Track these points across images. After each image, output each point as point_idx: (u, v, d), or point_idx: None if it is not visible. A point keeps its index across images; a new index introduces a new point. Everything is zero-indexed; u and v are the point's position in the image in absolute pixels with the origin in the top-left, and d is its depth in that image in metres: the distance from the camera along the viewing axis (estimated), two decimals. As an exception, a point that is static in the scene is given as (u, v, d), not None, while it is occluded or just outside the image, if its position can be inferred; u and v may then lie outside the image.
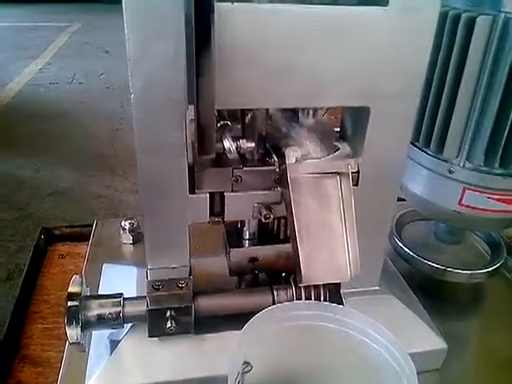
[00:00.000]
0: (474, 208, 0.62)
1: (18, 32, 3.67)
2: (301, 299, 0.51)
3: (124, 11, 0.39)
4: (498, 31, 0.52)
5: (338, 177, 0.50)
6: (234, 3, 0.40)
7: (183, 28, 0.40)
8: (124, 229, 0.79)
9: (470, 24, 0.53)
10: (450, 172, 0.61)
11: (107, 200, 1.60)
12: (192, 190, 0.49)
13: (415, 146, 0.65)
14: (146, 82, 0.42)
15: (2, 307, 0.99)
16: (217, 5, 0.37)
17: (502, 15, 0.51)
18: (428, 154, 0.63)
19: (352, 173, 0.51)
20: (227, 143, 0.47)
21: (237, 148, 0.47)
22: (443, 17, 0.56)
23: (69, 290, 0.47)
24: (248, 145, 0.48)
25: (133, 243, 0.79)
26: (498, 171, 0.59)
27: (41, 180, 1.73)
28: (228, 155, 0.47)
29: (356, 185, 0.52)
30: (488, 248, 0.77)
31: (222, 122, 0.50)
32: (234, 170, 0.49)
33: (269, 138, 0.52)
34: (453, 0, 0.56)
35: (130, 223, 0.79)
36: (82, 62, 2.94)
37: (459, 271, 0.68)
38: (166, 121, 0.44)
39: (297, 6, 0.42)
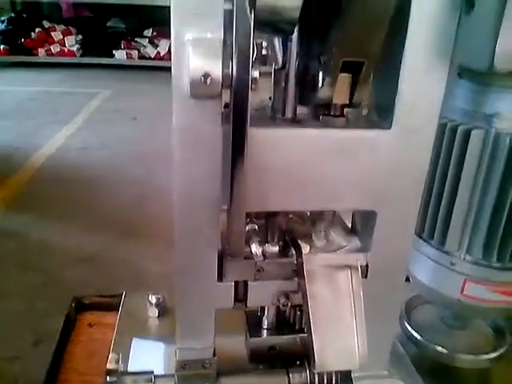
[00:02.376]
0: (474, 298, 0.67)
1: (51, 97, 3.90)
2: (314, 382, 0.56)
3: (172, 133, 0.48)
4: (490, 143, 0.60)
5: (349, 270, 0.57)
6: (263, 128, 0.49)
7: (221, 147, 0.48)
8: (151, 303, 0.85)
9: (466, 135, 0.61)
10: (452, 264, 0.67)
11: (132, 267, 1.66)
12: (220, 278, 0.55)
13: (421, 237, 0.71)
14: (188, 188, 0.50)
15: (32, 373, 1.04)
16: (249, 129, 0.45)
17: (493, 130, 0.59)
18: (432, 246, 0.69)
19: (361, 266, 0.57)
20: (254, 248, 0.54)
21: (262, 251, 0.54)
22: (442, 127, 0.64)
23: (107, 367, 0.53)
24: (272, 249, 0.55)
25: (159, 316, 0.84)
26: (496, 265, 0.65)
27: (68, 245, 1.81)
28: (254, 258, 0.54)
29: (365, 277, 0.58)
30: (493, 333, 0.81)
31: (249, 226, 0.57)
32: (258, 262, 0.55)
33: (288, 232, 0.59)
34: (451, 113, 0.64)
35: (156, 298, 0.85)
36: (111, 128, 3.11)
37: (464, 356, 0.72)
38: (202, 219, 0.52)
39: (315, 130, 0.50)
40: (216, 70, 0.41)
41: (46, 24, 5.41)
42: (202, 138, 0.48)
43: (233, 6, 0.42)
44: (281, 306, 0.57)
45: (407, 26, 0.47)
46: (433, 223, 0.68)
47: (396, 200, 0.55)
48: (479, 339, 0.79)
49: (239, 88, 0.43)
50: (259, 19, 0.43)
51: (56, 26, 5.40)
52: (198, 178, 0.50)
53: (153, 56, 5.40)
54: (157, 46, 5.45)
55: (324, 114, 0.51)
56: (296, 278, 0.57)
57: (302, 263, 0.55)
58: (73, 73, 4.86)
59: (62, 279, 1.59)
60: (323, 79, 0.48)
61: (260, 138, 0.48)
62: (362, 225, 0.60)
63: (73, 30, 5.38)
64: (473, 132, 0.60)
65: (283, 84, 0.53)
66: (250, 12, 0.43)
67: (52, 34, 5.33)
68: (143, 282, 1.57)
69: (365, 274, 0.58)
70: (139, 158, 2.61)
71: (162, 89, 3.99)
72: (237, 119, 0.45)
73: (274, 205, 0.52)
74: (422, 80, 0.49)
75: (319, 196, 0.53)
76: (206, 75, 0.41)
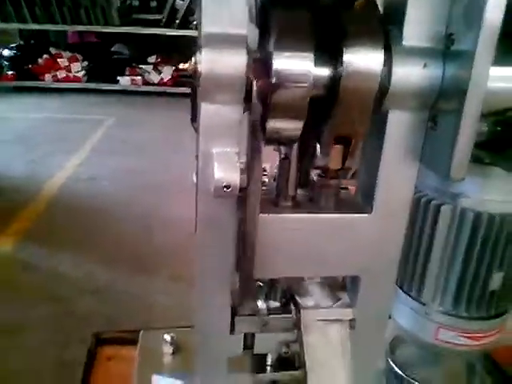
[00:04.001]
0: (447, 342, 0.79)
1: (58, 124, 4.04)
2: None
3: (197, 221, 0.60)
4: (457, 217, 0.72)
5: (339, 323, 0.69)
6: (270, 214, 0.61)
7: (235, 230, 0.60)
8: (166, 341, 0.97)
9: (437, 210, 0.74)
10: (427, 313, 0.79)
11: (145, 300, 1.77)
12: (232, 331, 0.67)
13: (401, 289, 0.83)
14: (206, 261, 0.62)
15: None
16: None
17: (459, 207, 0.72)
18: (411, 297, 0.81)
19: (349, 320, 0.69)
20: (260, 303, 0.66)
21: (267, 307, 0.67)
22: (418, 200, 0.76)
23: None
24: (275, 304, 0.67)
25: (173, 353, 0.96)
26: (464, 314, 0.77)
27: (80, 276, 1.93)
28: (260, 312, 0.67)
29: (353, 328, 0.70)
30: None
31: (256, 284, 0.69)
32: (264, 318, 0.68)
33: (288, 291, 0.71)
34: (426, 188, 0.76)
35: (170, 336, 0.97)
36: (117, 157, 3.24)
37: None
38: (217, 285, 0.64)
39: (312, 215, 0.63)
40: (235, 180, 0.54)
41: (53, 50, 5.58)
42: (219, 224, 0.60)
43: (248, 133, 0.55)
44: (282, 354, 0.68)
45: (384, 132, 0.59)
46: (411, 279, 0.80)
47: (376, 268, 0.67)
48: (454, 376, 0.91)
49: (253, 190, 0.56)
50: (268, 138, 0.56)
51: (62, 52, 5.57)
52: (215, 253, 0.62)
53: (156, 82, 5.56)
54: (160, 72, 5.63)
55: (320, 176, 0.64)
56: (295, 330, 0.69)
57: (300, 318, 0.67)
58: (78, 98, 5.01)
59: (76, 311, 1.70)
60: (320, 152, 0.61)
61: (267, 221, 0.61)
62: (349, 285, 0.72)
63: (79, 56, 5.55)
64: (442, 207, 0.73)
65: (286, 171, 0.65)
66: (262, 132, 0.56)
67: (58, 60, 5.50)
68: (152, 315, 1.67)
69: (352, 326, 0.70)
70: (146, 188, 2.73)
71: (166, 115, 4.14)
72: (250, 211, 0.57)
73: (277, 273, 0.65)
74: (396, 174, 0.62)
75: (314, 265, 0.65)
76: (227, 186, 0.53)
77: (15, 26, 5.38)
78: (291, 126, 0.55)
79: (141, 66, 5.64)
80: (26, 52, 5.56)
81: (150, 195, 2.59)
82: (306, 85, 0.53)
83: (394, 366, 0.89)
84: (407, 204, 0.63)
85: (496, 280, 0.74)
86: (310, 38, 0.53)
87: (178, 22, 5.49)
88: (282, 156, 0.66)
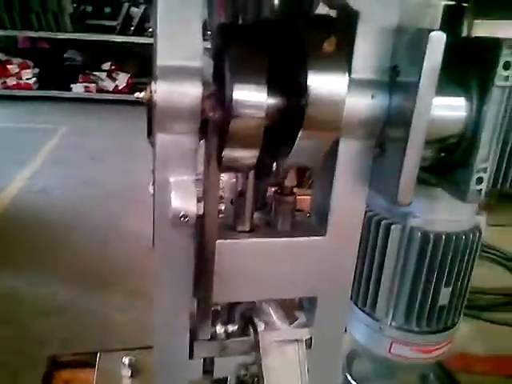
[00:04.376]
0: (400, 356, 0.82)
1: (9, 133, 3.89)
2: None
3: (155, 248, 0.60)
4: (406, 236, 0.75)
5: (297, 343, 0.70)
6: (227, 240, 0.62)
7: (193, 258, 0.61)
8: (124, 364, 0.96)
9: (388, 228, 0.77)
10: (381, 329, 0.82)
11: (101, 318, 1.73)
12: (191, 356, 0.67)
13: (356, 304, 0.86)
14: (165, 287, 0.63)
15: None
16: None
17: (408, 226, 0.75)
18: (365, 313, 0.84)
19: (306, 339, 0.71)
20: (218, 328, 0.67)
21: (225, 331, 0.67)
22: (370, 219, 0.79)
23: None
24: (233, 328, 0.68)
25: (131, 376, 0.95)
26: (416, 329, 0.80)
27: (37, 296, 1.85)
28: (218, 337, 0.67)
29: (310, 347, 0.72)
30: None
31: (214, 308, 0.70)
32: (222, 342, 0.68)
33: (246, 312, 0.72)
34: (377, 207, 0.79)
35: (129, 359, 0.96)
36: (70, 168, 3.16)
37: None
38: (176, 310, 0.64)
39: (268, 239, 0.64)
40: (192, 210, 0.54)
41: (2, 57, 5.39)
42: (177, 249, 0.61)
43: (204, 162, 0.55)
44: (241, 376, 0.69)
45: (336, 160, 0.61)
46: (365, 296, 0.83)
47: (332, 288, 0.69)
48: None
49: (209, 219, 0.57)
50: (225, 167, 0.57)
51: (12, 58, 5.38)
52: (173, 278, 0.62)
53: (111, 89, 5.47)
54: (115, 79, 5.53)
55: (277, 193, 0.65)
56: (253, 352, 0.70)
57: (258, 340, 0.68)
58: (30, 106, 4.85)
59: (33, 332, 1.63)
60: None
61: (224, 247, 0.62)
62: (306, 305, 0.74)
63: (30, 63, 5.38)
64: (392, 226, 0.76)
65: (243, 195, 0.67)
66: (218, 161, 0.57)
67: (8, 67, 5.31)
68: (110, 334, 1.63)
69: (309, 346, 0.72)
70: (101, 199, 2.67)
71: (121, 123, 4.07)
72: (207, 237, 0.58)
73: (235, 297, 0.66)
74: (348, 198, 0.64)
75: (272, 289, 0.67)
76: (184, 216, 0.54)
77: (-39, 30, 5.18)
78: (247, 155, 0.56)
79: (95, 72, 5.52)
80: (-27, 58, 5.35)
81: (106, 206, 2.53)
82: (260, 115, 0.54)
83: (350, 379, 0.92)
84: (359, 226, 0.66)
85: (444, 295, 0.77)
86: (265, 70, 0.54)
87: (132, 28, 5.43)
88: (239, 186, 0.67)
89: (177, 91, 0.53)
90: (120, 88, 5.46)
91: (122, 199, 2.54)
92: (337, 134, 0.57)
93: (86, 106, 5.01)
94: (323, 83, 0.52)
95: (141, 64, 5.44)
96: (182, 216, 0.54)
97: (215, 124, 0.56)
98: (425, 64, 0.53)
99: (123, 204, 2.56)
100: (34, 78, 5.33)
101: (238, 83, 0.53)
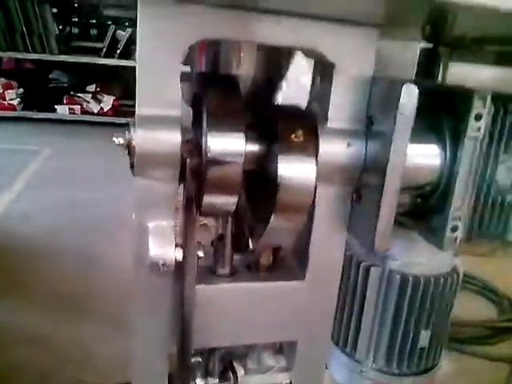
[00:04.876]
0: (381, 398, 0.82)
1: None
2: None
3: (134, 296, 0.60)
4: (385, 279, 0.76)
5: (277, 388, 0.70)
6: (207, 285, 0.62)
7: (171, 304, 0.60)
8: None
9: (367, 270, 0.77)
10: (362, 371, 0.81)
11: (79, 348, 1.68)
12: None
13: (337, 345, 0.85)
14: (144, 336, 0.62)
15: None
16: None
17: (387, 268, 0.75)
18: (346, 354, 0.84)
19: (287, 383, 0.70)
20: (198, 381, 0.66)
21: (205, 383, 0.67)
22: (349, 260, 0.80)
23: None
24: (213, 382, 0.68)
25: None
26: (396, 371, 0.80)
27: (15, 324, 1.81)
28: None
29: (290, 391, 0.71)
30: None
31: (194, 359, 0.69)
32: (202, 387, 0.67)
33: (226, 357, 0.71)
34: (357, 248, 0.80)
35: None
36: (52, 191, 3.11)
37: None
38: (154, 361, 0.63)
39: (247, 283, 0.64)
40: (170, 258, 0.54)
41: (-15, 77, 5.36)
42: (156, 294, 0.60)
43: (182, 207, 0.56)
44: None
45: (314, 211, 0.62)
46: (345, 337, 0.82)
47: (311, 332, 0.69)
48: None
49: (189, 263, 0.57)
50: (205, 212, 0.57)
51: (-5, 78, 5.36)
52: (152, 324, 0.62)
53: (96, 111, 5.46)
54: (100, 101, 5.52)
55: (255, 268, 0.65)
56: (233, 397, 0.69)
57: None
58: (13, 128, 4.82)
59: (9, 362, 1.58)
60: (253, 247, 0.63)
61: (204, 291, 0.62)
62: (286, 349, 0.73)
63: (14, 83, 5.35)
64: (372, 269, 0.76)
65: (222, 240, 0.66)
66: (197, 207, 0.57)
67: (-10, 87, 5.28)
68: (90, 365, 1.60)
69: (289, 389, 0.71)
70: (81, 225, 2.64)
71: (106, 145, 4.06)
72: (187, 283, 0.58)
73: (215, 342, 0.65)
74: (326, 243, 0.64)
75: (252, 333, 0.66)
76: (163, 263, 0.53)
77: None
78: (226, 201, 0.57)
79: (80, 94, 5.52)
80: (-44, 77, 5.31)
81: (86, 233, 2.50)
82: (239, 161, 0.55)
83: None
84: (338, 270, 0.66)
85: (424, 337, 0.77)
86: (242, 118, 0.55)
87: (118, 51, 5.45)
88: (219, 230, 0.67)
89: (156, 138, 0.54)
90: (105, 110, 5.45)
91: (105, 224, 2.50)
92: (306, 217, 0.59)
93: (70, 127, 4.99)
94: (293, 172, 0.55)
95: (126, 86, 5.45)
96: (160, 263, 0.54)
97: (193, 171, 0.56)
98: (398, 115, 0.54)
99: (106, 229, 2.53)
100: (18, 99, 5.30)
101: (216, 130, 0.54)
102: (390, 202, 0.57)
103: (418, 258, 0.74)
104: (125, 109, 5.30)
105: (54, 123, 5.04)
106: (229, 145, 0.55)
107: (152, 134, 0.54)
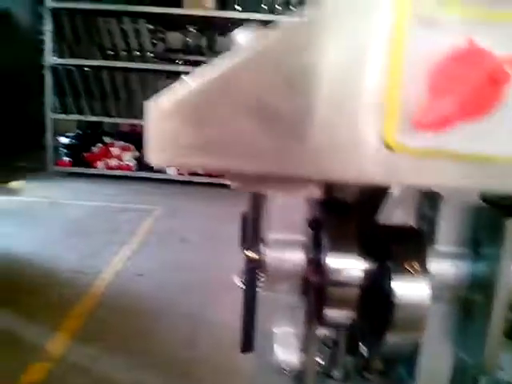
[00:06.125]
0: None
1: (109, 213, 4.24)
2: None
3: None
4: (493, 384, 0.77)
5: None
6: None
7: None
8: None
9: (475, 379, 0.79)
10: None
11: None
12: None
13: None
14: None
15: None
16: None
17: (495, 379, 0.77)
18: None
19: None
20: None
21: None
22: (455, 370, 0.82)
23: None
24: None
25: None
26: None
27: (129, 381, 1.96)
28: None
29: None
30: None
31: None
32: None
33: None
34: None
35: None
36: (164, 251, 3.35)
37: None
38: None
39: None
40: (294, 363, 0.63)
41: (107, 140, 5.98)
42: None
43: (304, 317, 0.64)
44: None
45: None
46: None
47: None
48: None
49: (309, 370, 0.65)
50: (324, 324, 0.65)
51: (115, 141, 5.96)
52: None
53: (203, 172, 5.81)
54: (205, 163, 5.88)
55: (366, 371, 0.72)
56: None
57: None
58: (128, 186, 5.28)
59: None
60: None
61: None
62: None
63: (131, 146, 5.90)
64: (481, 378, 0.78)
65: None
66: (317, 319, 0.65)
67: (111, 149, 5.87)
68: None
69: None
70: (191, 286, 2.78)
71: (211, 205, 4.28)
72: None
73: None
74: (435, 356, 0.69)
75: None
76: (285, 367, 0.62)
77: (74, 117, 5.84)
78: (344, 315, 0.64)
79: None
80: (82, 141, 5.98)
81: (195, 295, 2.63)
82: (356, 281, 0.63)
83: None
84: (445, 381, 0.70)
85: None
86: (356, 240, 0.64)
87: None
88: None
89: (283, 259, 0.64)
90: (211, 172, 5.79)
91: (212, 288, 2.62)
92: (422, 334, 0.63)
93: (179, 187, 5.34)
94: (408, 291, 0.61)
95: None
96: (283, 367, 0.62)
97: (314, 287, 0.65)
98: (505, 244, 0.59)
99: (214, 293, 2.63)
100: (134, 160, 5.80)
101: (334, 252, 0.63)
102: (498, 321, 0.62)
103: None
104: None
105: (164, 183, 5.43)
106: (346, 265, 0.63)
107: (280, 254, 0.64)
